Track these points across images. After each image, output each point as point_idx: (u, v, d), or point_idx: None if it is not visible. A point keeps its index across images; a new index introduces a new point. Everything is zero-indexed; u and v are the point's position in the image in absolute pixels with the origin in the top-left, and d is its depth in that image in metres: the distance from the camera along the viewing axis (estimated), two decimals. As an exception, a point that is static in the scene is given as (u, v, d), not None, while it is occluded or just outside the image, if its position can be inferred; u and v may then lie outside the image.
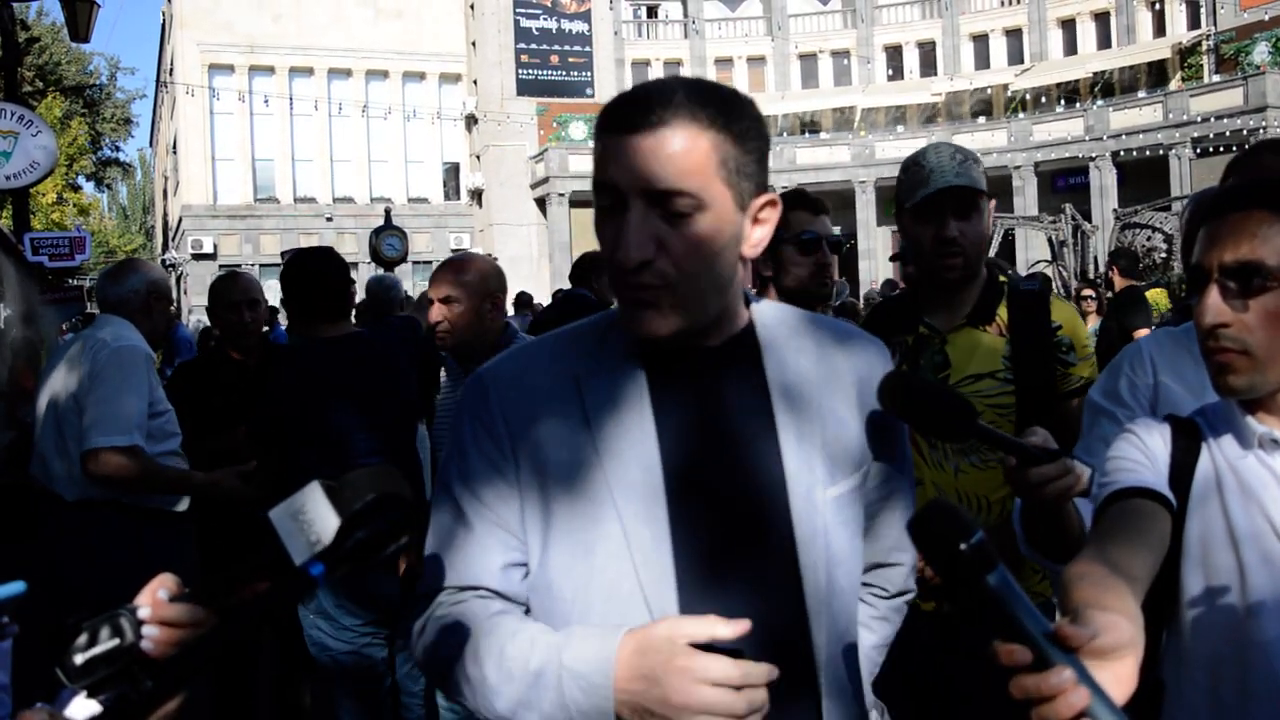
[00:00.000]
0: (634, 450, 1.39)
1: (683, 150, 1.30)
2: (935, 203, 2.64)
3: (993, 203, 2.74)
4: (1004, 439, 1.65)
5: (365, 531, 1.14)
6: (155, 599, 1.20)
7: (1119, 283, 8.58)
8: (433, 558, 1.46)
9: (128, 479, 3.75)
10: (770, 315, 1.53)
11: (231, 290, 4.57)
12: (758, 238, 1.42)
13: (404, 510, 1.18)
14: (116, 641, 1.13)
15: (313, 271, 4.01)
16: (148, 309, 4.12)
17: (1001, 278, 2.86)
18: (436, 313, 3.52)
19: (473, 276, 3.55)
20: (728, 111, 1.35)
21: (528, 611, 1.44)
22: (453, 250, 39.72)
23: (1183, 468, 1.61)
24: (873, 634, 1.66)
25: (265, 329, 4.91)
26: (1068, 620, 1.05)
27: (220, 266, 37.05)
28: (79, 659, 1.11)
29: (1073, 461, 1.67)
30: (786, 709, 1.36)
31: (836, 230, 3.30)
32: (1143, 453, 1.62)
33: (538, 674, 1.30)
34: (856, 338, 1.57)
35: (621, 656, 1.25)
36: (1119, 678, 1.05)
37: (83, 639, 1.12)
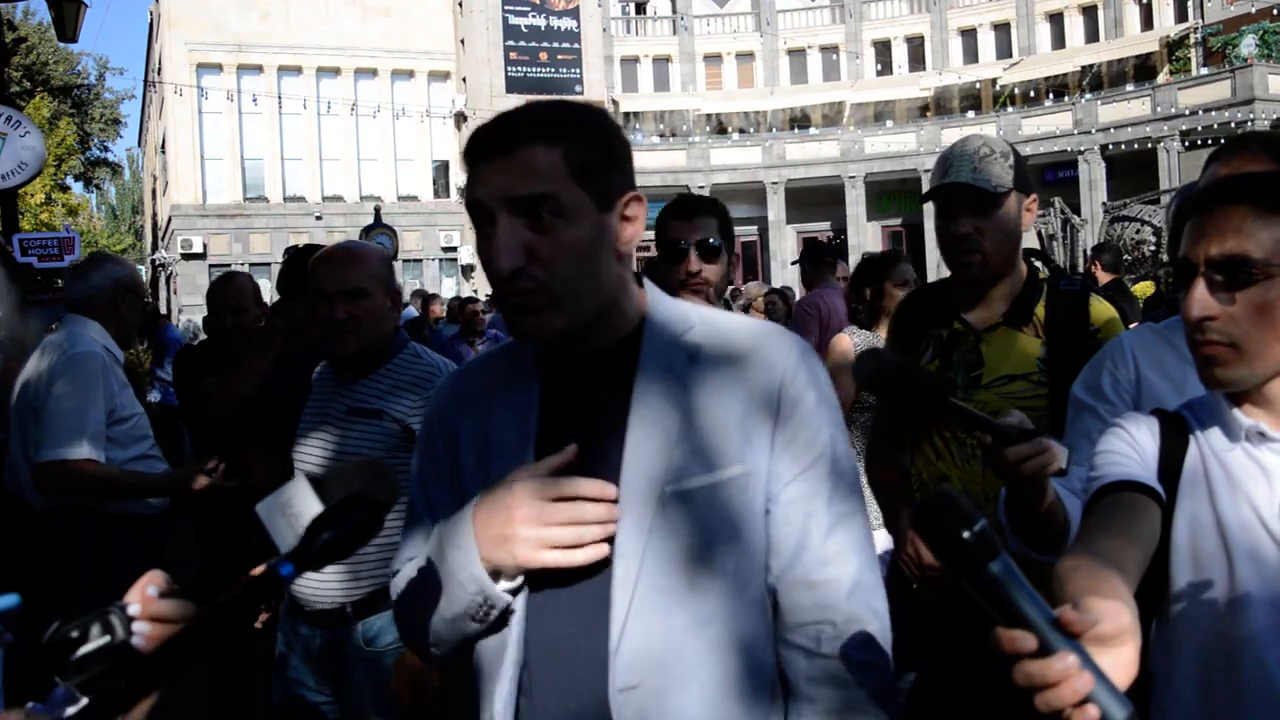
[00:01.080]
0: (514, 460, 1.49)
1: (536, 160, 1.41)
2: (949, 198, 2.63)
3: (1030, 199, 2.68)
4: (978, 417, 1.67)
5: (333, 532, 1.15)
6: (145, 595, 1.20)
7: (1102, 277, 8.58)
8: (402, 540, 1.66)
9: (80, 492, 3.64)
10: (666, 314, 1.55)
11: (216, 295, 4.51)
12: (628, 234, 1.50)
13: (372, 511, 1.19)
14: (107, 639, 1.14)
15: None
16: (114, 307, 3.97)
17: (1041, 274, 2.82)
18: (343, 309, 2.96)
19: (380, 267, 3.09)
20: (577, 122, 1.47)
21: None
22: (443, 248, 39.68)
23: (1171, 461, 1.62)
24: (807, 703, 1.45)
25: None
26: (1069, 607, 1.06)
27: (210, 266, 36.98)
28: (70, 656, 1.12)
29: (1049, 441, 1.69)
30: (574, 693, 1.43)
31: (750, 229, 3.24)
32: (1131, 446, 1.63)
33: (433, 567, 1.49)
34: (762, 338, 1.52)
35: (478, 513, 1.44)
36: (1121, 664, 1.06)
37: (74, 636, 1.13)
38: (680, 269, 3.02)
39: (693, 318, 1.55)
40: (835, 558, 1.46)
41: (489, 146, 1.43)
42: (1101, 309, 2.72)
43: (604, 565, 1.42)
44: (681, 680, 1.40)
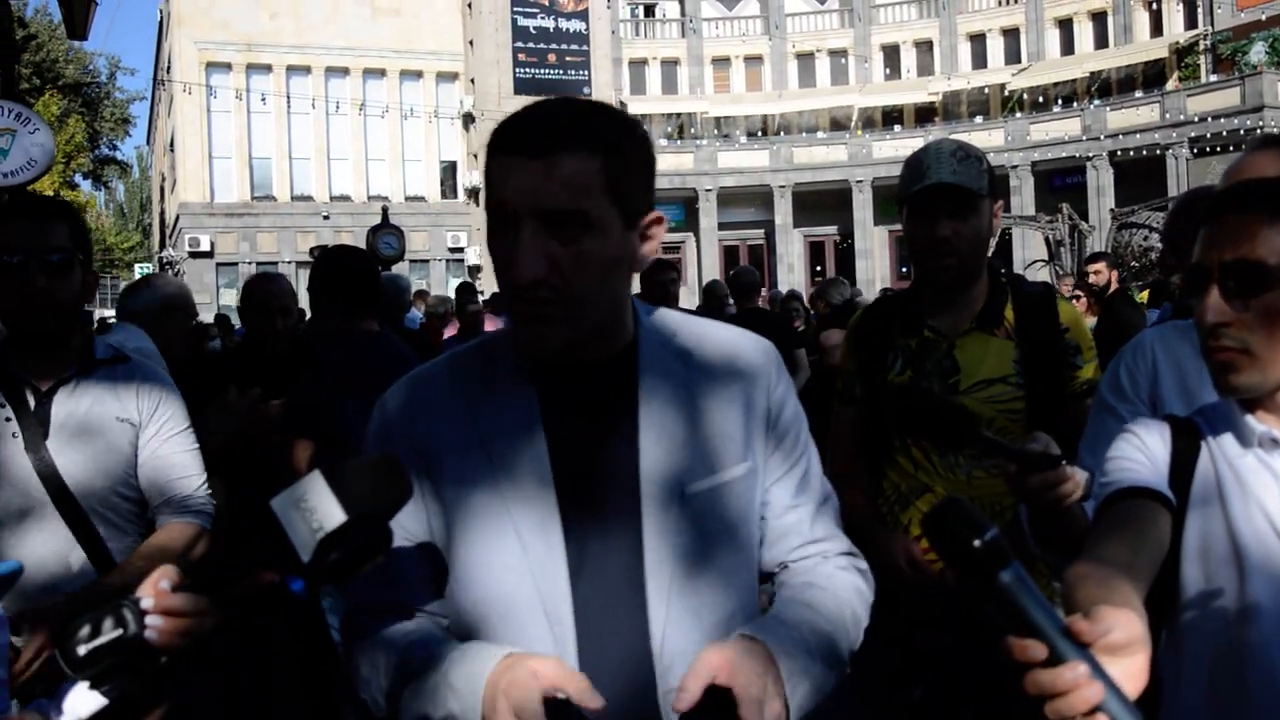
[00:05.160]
0: (528, 467, 1.44)
1: (575, 173, 1.34)
2: (928, 200, 2.60)
3: (998, 205, 2.68)
4: (1004, 447, 1.67)
5: (339, 553, 1.15)
6: (157, 589, 1.20)
7: (1114, 284, 8.56)
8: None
9: None
10: (658, 324, 1.57)
11: (266, 295, 4.30)
12: (645, 253, 1.47)
13: (381, 530, 1.19)
14: (120, 632, 1.13)
15: (362, 265, 4.20)
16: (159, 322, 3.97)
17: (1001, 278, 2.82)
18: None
19: None
20: (617, 133, 1.40)
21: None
22: (450, 249, 39.72)
23: (1182, 467, 1.61)
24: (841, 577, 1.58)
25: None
26: (1080, 615, 1.05)
27: (218, 265, 37.10)
28: (82, 650, 1.12)
29: (1072, 468, 1.68)
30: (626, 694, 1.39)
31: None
32: (1142, 452, 1.63)
33: (431, 688, 1.35)
34: (739, 340, 1.60)
35: (491, 678, 1.29)
36: (1131, 674, 1.05)
37: (85, 630, 1.12)
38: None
39: (673, 324, 1.58)
40: (823, 538, 1.60)
41: (524, 145, 1.36)
42: (1066, 308, 2.73)
43: (636, 569, 1.42)
44: None
